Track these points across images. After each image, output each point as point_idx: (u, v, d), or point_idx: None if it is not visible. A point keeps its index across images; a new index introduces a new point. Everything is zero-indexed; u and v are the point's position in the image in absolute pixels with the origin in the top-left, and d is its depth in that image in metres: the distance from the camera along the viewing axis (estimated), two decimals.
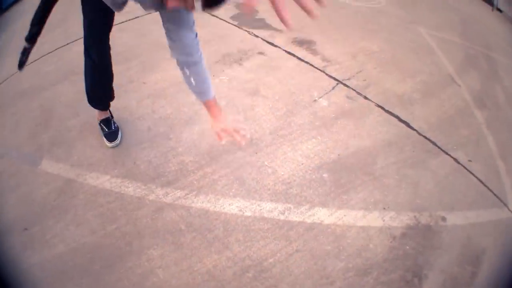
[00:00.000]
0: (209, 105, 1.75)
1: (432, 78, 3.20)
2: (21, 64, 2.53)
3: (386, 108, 2.74)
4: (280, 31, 3.58)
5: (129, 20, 4.21)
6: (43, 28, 2.49)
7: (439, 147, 2.49)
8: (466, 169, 2.37)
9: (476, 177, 2.32)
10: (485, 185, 2.29)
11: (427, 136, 2.56)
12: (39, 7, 2.30)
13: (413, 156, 2.40)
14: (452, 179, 2.30)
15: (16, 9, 4.72)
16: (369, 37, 3.69)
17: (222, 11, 4.21)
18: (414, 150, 2.45)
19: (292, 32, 3.58)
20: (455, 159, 2.42)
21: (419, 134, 2.57)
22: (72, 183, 2.21)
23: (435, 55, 3.55)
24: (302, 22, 3.88)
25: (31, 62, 2.95)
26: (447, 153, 2.45)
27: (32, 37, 2.49)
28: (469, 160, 2.42)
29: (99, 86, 2.31)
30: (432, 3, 4.79)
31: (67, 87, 2.90)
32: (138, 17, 4.39)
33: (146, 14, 4.38)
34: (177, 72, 1.70)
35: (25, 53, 2.54)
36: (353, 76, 3.05)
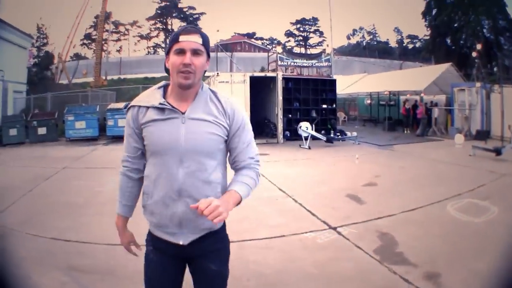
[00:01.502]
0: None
1: None
2: None
3: None
4: (414, 265, 4.82)
5: (275, 237, 5.51)
6: None
7: None
8: None
9: None
10: None
11: None
12: None
13: None
14: None
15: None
16: (480, 259, 4.84)
17: (366, 241, 5.60)
18: None
19: (423, 265, 4.79)
20: None
21: None
22: None
23: None
24: (429, 252, 5.18)
25: None
26: None
27: None
28: None
29: None
30: None
31: None
32: (284, 235, 5.71)
33: (292, 234, 5.74)
34: None
35: None
36: None
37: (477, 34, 36.71)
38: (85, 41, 65.39)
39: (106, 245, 5.21)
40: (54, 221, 6.40)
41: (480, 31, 37.50)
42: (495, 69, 30.02)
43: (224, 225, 2.28)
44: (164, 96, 2.18)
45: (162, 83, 2.27)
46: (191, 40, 2.08)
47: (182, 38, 2.07)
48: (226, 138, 2.19)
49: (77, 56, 58.40)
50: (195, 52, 2.08)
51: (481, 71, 21.42)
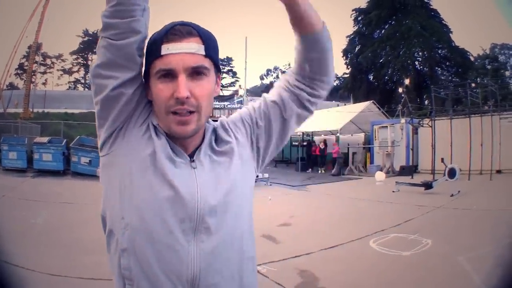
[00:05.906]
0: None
1: None
2: None
3: None
4: None
5: None
6: None
7: None
8: None
9: None
10: None
11: None
12: None
13: None
14: None
15: None
16: None
17: (286, 279, 5.48)
18: None
19: None
20: None
21: None
22: None
23: None
24: (353, 285, 5.10)
25: None
26: None
27: None
28: None
29: None
30: None
31: None
32: None
33: None
34: None
35: None
36: None
37: (406, 68, 38.76)
38: (18, 71, 64.49)
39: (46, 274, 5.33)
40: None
41: (410, 64, 39.70)
42: (426, 102, 31.81)
43: None
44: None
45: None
46: (184, 51, 1.26)
47: (167, 48, 1.26)
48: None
49: (11, 86, 58.36)
50: (196, 72, 1.29)
51: (408, 106, 22.71)
